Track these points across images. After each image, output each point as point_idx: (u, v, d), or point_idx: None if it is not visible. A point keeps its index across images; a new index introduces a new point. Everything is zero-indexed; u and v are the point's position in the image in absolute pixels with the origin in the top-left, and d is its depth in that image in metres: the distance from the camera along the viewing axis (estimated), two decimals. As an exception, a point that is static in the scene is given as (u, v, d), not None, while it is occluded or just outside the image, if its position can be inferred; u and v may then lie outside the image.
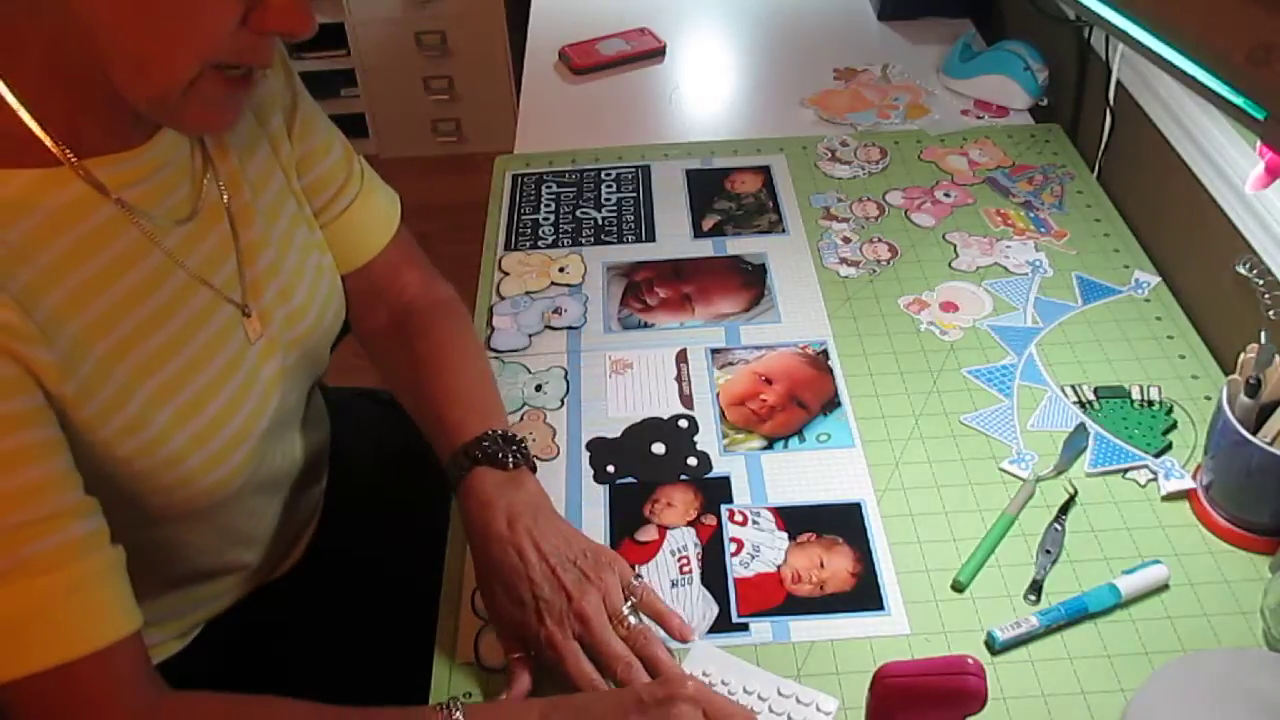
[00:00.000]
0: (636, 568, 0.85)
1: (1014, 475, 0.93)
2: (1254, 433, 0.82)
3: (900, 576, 0.85)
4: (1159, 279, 1.12)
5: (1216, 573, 0.84)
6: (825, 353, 1.05)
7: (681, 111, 1.46)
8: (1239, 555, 0.85)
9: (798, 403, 1.00)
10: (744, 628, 0.82)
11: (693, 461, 0.95)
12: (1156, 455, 0.93)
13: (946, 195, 1.26)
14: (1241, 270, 0.96)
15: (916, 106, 1.44)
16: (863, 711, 0.70)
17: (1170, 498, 0.90)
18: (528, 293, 1.14)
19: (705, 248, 1.20)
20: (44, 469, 0.62)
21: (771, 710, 0.75)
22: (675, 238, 1.22)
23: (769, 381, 1.03)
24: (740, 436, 0.97)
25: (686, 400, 1.01)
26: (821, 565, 0.86)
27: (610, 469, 0.95)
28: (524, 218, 1.26)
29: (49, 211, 0.65)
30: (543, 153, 1.37)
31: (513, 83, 2.71)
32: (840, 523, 0.89)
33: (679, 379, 1.04)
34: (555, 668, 0.75)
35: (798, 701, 0.75)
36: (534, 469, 0.86)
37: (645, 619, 0.79)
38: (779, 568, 0.86)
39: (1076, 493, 0.90)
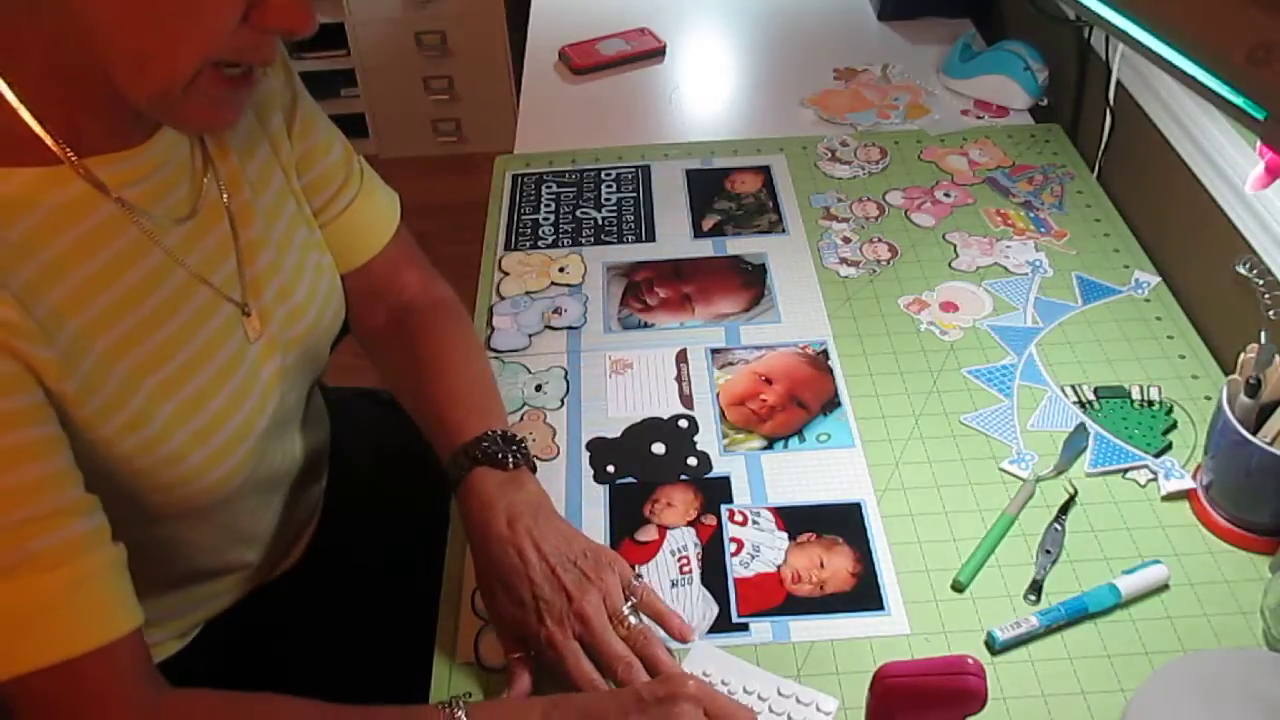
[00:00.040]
0: (636, 568, 0.85)
1: (1014, 475, 0.93)
2: (1254, 433, 0.82)
3: (900, 576, 0.85)
4: (1159, 279, 1.12)
5: (1216, 573, 0.84)
6: (825, 353, 1.05)
7: (681, 111, 1.46)
8: (1239, 555, 0.85)
9: (798, 403, 1.00)
10: (744, 628, 0.82)
11: (693, 461, 0.95)
12: (1156, 455, 0.93)
13: (946, 195, 1.26)
14: (1241, 270, 0.96)
15: (916, 106, 1.44)
16: (863, 711, 0.70)
17: (1170, 498, 0.90)
18: (528, 293, 1.14)
19: (705, 248, 1.20)
20: (45, 466, 0.62)
21: (771, 710, 0.75)
22: (675, 238, 1.22)
23: (769, 381, 1.03)
24: (740, 436, 0.97)
25: (686, 400, 1.01)
26: (821, 565, 0.86)
27: (610, 469, 0.95)
28: (524, 218, 1.26)
29: (49, 210, 0.65)
30: (543, 153, 1.37)
31: (513, 83, 2.71)
32: (840, 523, 0.89)
33: (679, 379, 1.04)
34: (555, 668, 0.75)
35: (798, 701, 0.75)
36: (534, 469, 0.86)
37: (645, 619, 0.79)
38: (779, 568, 0.86)
39: (1076, 493, 0.90)
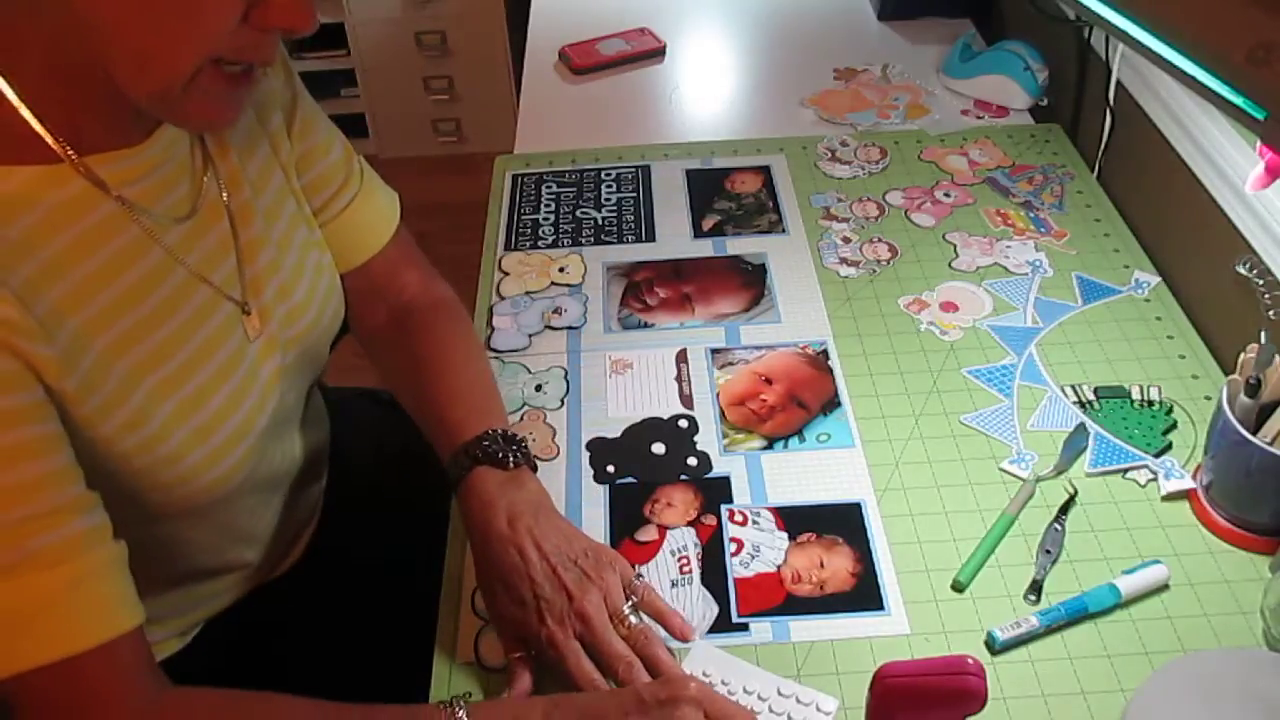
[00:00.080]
0: (636, 568, 0.85)
1: (1014, 475, 0.93)
2: (1254, 433, 0.82)
3: (900, 576, 0.85)
4: (1159, 279, 1.12)
5: (1216, 573, 0.84)
6: (825, 353, 1.06)
7: (681, 111, 1.46)
8: (1239, 555, 0.85)
9: (798, 403, 1.00)
10: (744, 628, 0.82)
11: (693, 461, 0.95)
12: (1156, 455, 0.93)
13: (946, 195, 1.26)
14: (1241, 270, 0.96)
15: (916, 106, 1.44)
16: (863, 711, 0.70)
17: (1170, 498, 0.90)
18: (528, 293, 1.14)
19: (705, 248, 1.20)
20: (45, 464, 0.62)
21: (771, 710, 0.75)
22: (675, 238, 1.22)
23: (769, 381, 1.03)
24: (740, 436, 0.97)
25: (686, 400, 1.01)
26: (821, 565, 0.86)
27: (610, 469, 0.95)
28: (524, 218, 1.26)
29: (49, 208, 0.65)
30: (543, 153, 1.37)
31: (513, 83, 2.71)
32: (840, 523, 0.89)
33: (679, 379, 1.04)
34: (556, 667, 0.75)
35: (798, 701, 0.75)
36: (534, 468, 0.86)
37: (646, 618, 0.79)
38: (779, 568, 0.86)
39: (1076, 493, 0.90)
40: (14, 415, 0.60)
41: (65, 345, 0.64)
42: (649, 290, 1.14)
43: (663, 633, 0.79)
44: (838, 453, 0.95)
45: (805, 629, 0.81)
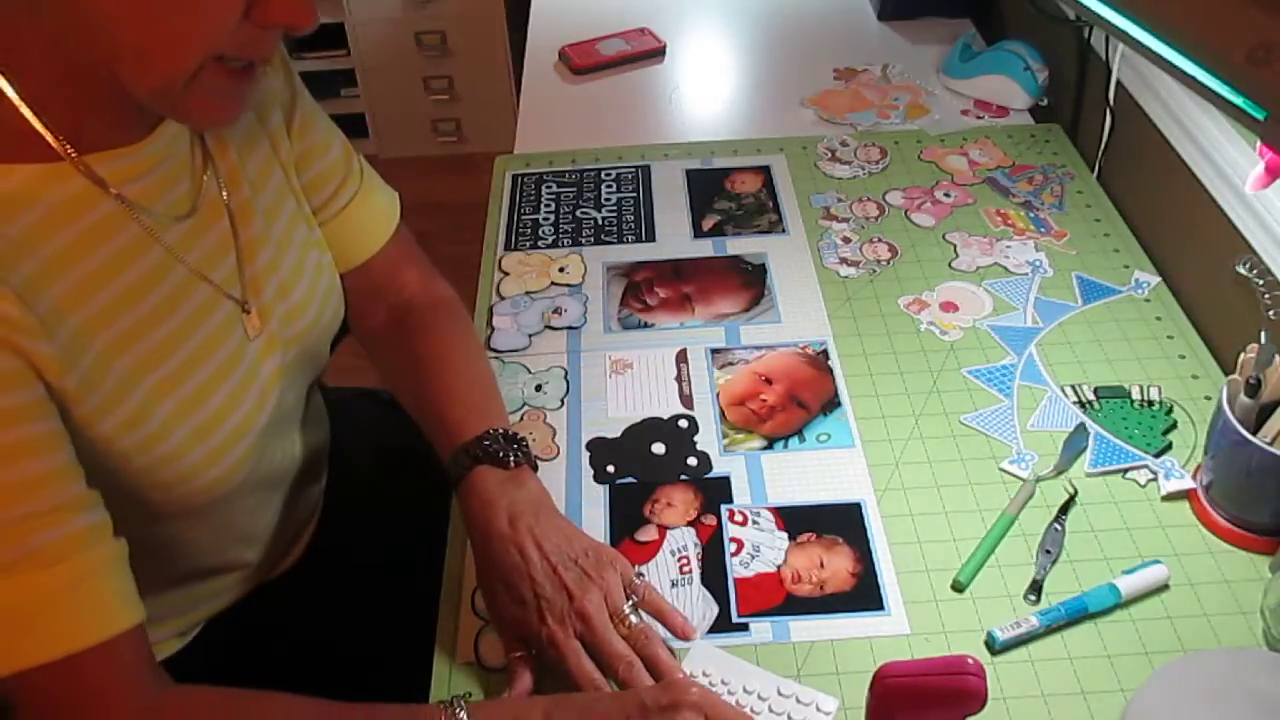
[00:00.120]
0: (637, 567, 0.85)
1: (1014, 475, 0.93)
2: (1254, 433, 0.82)
3: (900, 576, 0.85)
4: (1159, 279, 1.12)
5: (1216, 573, 0.84)
6: (825, 353, 1.06)
7: (681, 111, 1.46)
8: (1239, 555, 0.85)
9: (798, 403, 1.00)
10: (744, 628, 0.82)
11: (693, 461, 0.95)
12: (1156, 455, 0.93)
13: (946, 195, 1.26)
14: (1241, 270, 0.96)
15: (916, 106, 1.44)
16: (863, 711, 0.70)
17: (1170, 498, 0.90)
18: (528, 293, 1.14)
19: (705, 248, 1.20)
20: (46, 462, 0.62)
21: (771, 710, 0.75)
22: (675, 238, 1.22)
23: (769, 381, 1.03)
24: (740, 436, 0.97)
25: (686, 400, 1.01)
26: (821, 565, 0.86)
27: (610, 469, 0.95)
28: (524, 218, 1.26)
29: (49, 206, 0.65)
30: (543, 153, 1.37)
31: (513, 83, 2.71)
32: (840, 523, 0.89)
33: (679, 379, 1.04)
34: (557, 666, 0.75)
35: (798, 701, 0.75)
36: (535, 468, 0.86)
37: (646, 617, 0.79)
38: (779, 568, 0.86)
39: (1076, 493, 0.90)
40: (15, 413, 0.61)
41: (65, 343, 0.64)
42: (649, 290, 1.14)
43: (663, 632, 0.79)
44: (838, 453, 0.95)
45: (805, 629, 0.81)
